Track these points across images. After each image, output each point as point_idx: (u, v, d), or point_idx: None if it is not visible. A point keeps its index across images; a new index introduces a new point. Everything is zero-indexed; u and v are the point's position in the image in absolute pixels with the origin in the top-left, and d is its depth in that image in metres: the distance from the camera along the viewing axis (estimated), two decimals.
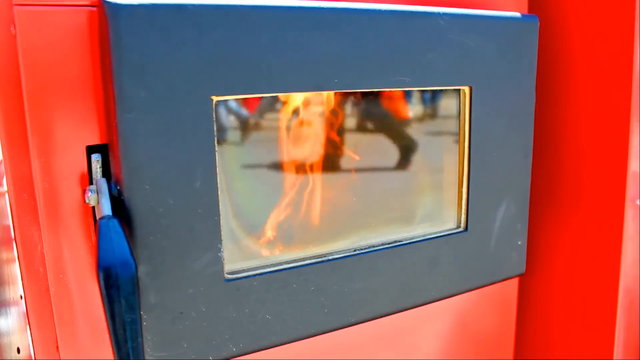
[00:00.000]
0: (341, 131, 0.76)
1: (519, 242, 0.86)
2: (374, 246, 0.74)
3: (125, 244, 0.52)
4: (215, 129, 0.59)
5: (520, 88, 0.81)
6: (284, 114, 0.71)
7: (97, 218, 0.56)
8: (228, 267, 0.64)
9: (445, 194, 0.82)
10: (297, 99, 0.71)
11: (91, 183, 0.60)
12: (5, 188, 0.62)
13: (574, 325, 0.99)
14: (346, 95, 0.74)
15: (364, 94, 0.75)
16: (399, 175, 0.82)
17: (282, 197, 0.73)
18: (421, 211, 0.82)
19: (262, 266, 0.67)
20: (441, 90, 0.77)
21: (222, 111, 0.65)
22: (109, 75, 0.54)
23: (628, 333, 0.95)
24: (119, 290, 0.50)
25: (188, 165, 0.58)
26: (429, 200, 0.83)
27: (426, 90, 0.78)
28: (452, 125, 0.80)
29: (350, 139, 0.77)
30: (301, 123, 0.72)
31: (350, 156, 0.77)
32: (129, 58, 0.53)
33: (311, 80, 0.64)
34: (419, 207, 0.82)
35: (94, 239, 0.61)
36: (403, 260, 0.75)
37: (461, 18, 0.72)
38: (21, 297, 0.64)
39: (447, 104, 0.80)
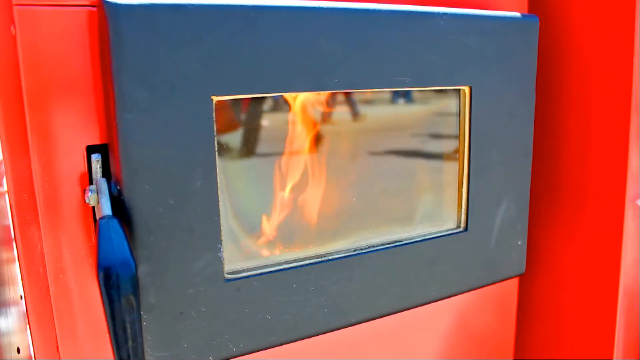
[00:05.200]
0: (341, 130, 0.76)
1: (519, 242, 0.86)
2: (374, 246, 0.74)
3: (125, 244, 0.52)
4: (215, 129, 0.59)
5: (520, 88, 0.81)
6: (284, 114, 0.71)
7: (97, 218, 0.56)
8: (228, 267, 0.64)
9: (445, 194, 0.82)
10: (297, 98, 0.71)
11: (91, 183, 0.60)
12: (5, 188, 0.62)
13: (574, 325, 0.99)
14: (347, 94, 0.74)
15: (363, 94, 0.75)
16: (399, 175, 0.82)
17: (282, 197, 0.73)
18: (421, 211, 0.82)
19: (262, 266, 0.67)
20: (441, 90, 0.77)
21: (223, 111, 0.65)
22: (109, 75, 0.54)
23: (628, 333, 0.95)
24: (119, 290, 0.50)
25: (188, 165, 0.58)
26: (429, 200, 0.83)
27: (426, 90, 0.78)
28: (452, 125, 0.80)
29: (351, 138, 0.77)
30: (302, 123, 0.72)
31: (350, 156, 0.77)
32: (129, 58, 0.53)
33: (311, 80, 0.64)
34: (419, 207, 0.82)
35: (94, 239, 0.60)
36: (403, 260, 0.75)
37: (461, 18, 0.72)
38: (21, 297, 0.64)
39: (446, 104, 0.80)
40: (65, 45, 0.56)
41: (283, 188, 0.73)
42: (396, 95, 0.79)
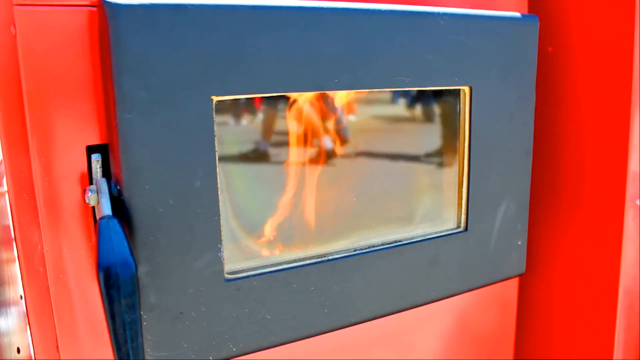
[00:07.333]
0: (342, 131, 0.76)
1: (519, 242, 0.86)
2: (374, 246, 0.74)
3: (125, 244, 0.52)
4: (215, 129, 0.59)
5: (520, 88, 0.81)
6: (284, 114, 0.71)
7: (97, 218, 0.56)
8: (228, 267, 0.64)
9: (445, 194, 0.82)
10: (297, 98, 0.71)
11: (91, 183, 0.60)
12: (5, 188, 0.62)
13: (574, 325, 0.99)
14: (347, 94, 0.74)
15: (364, 94, 0.75)
16: (399, 175, 0.82)
17: (282, 197, 0.73)
18: (421, 211, 0.82)
19: (262, 266, 0.67)
20: (441, 90, 0.77)
21: (223, 111, 0.65)
22: (109, 75, 0.54)
23: (628, 333, 0.95)
24: (119, 290, 0.50)
25: (188, 165, 0.58)
26: (429, 200, 0.83)
27: (426, 90, 0.78)
28: (452, 124, 0.80)
29: (351, 138, 0.77)
30: (301, 122, 0.72)
31: (350, 155, 0.77)
32: (129, 58, 0.53)
33: (311, 80, 0.64)
34: (419, 207, 0.82)
35: (94, 239, 0.61)
36: (403, 260, 0.75)
37: (461, 18, 0.72)
38: (21, 297, 0.64)
39: (446, 104, 0.80)
40: (65, 45, 0.56)
41: (283, 188, 0.73)
42: (396, 95, 0.79)
